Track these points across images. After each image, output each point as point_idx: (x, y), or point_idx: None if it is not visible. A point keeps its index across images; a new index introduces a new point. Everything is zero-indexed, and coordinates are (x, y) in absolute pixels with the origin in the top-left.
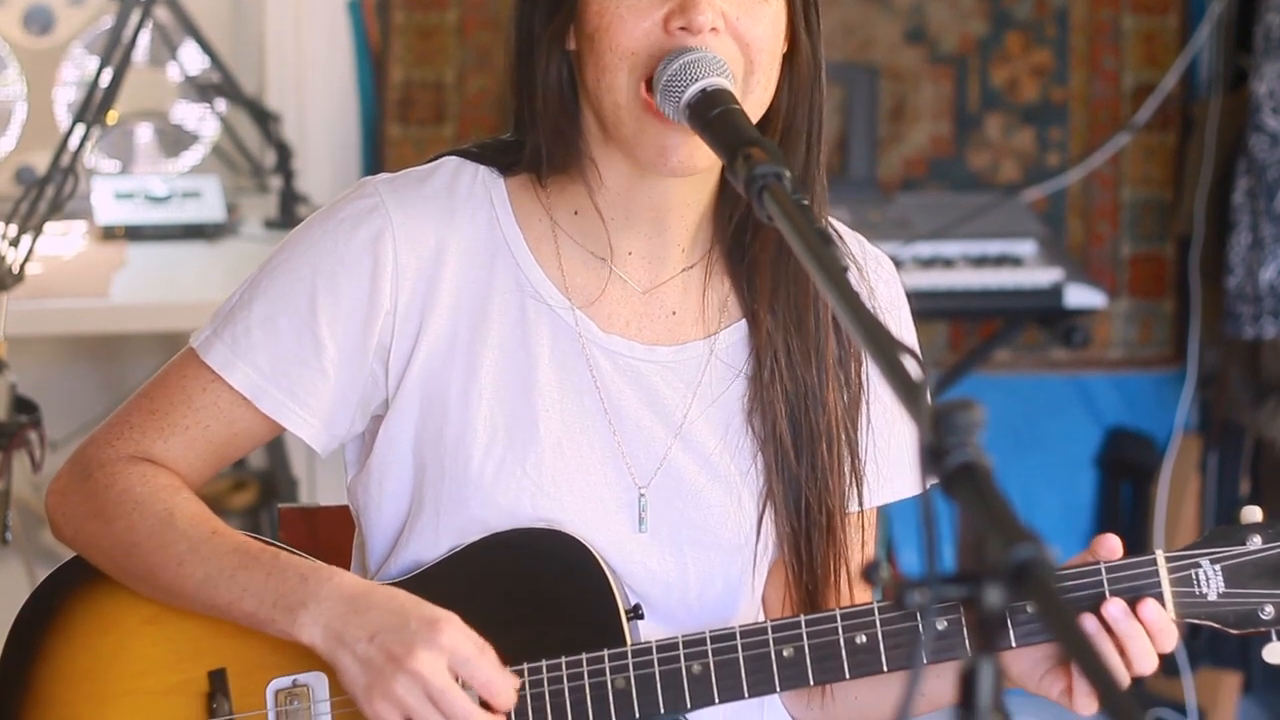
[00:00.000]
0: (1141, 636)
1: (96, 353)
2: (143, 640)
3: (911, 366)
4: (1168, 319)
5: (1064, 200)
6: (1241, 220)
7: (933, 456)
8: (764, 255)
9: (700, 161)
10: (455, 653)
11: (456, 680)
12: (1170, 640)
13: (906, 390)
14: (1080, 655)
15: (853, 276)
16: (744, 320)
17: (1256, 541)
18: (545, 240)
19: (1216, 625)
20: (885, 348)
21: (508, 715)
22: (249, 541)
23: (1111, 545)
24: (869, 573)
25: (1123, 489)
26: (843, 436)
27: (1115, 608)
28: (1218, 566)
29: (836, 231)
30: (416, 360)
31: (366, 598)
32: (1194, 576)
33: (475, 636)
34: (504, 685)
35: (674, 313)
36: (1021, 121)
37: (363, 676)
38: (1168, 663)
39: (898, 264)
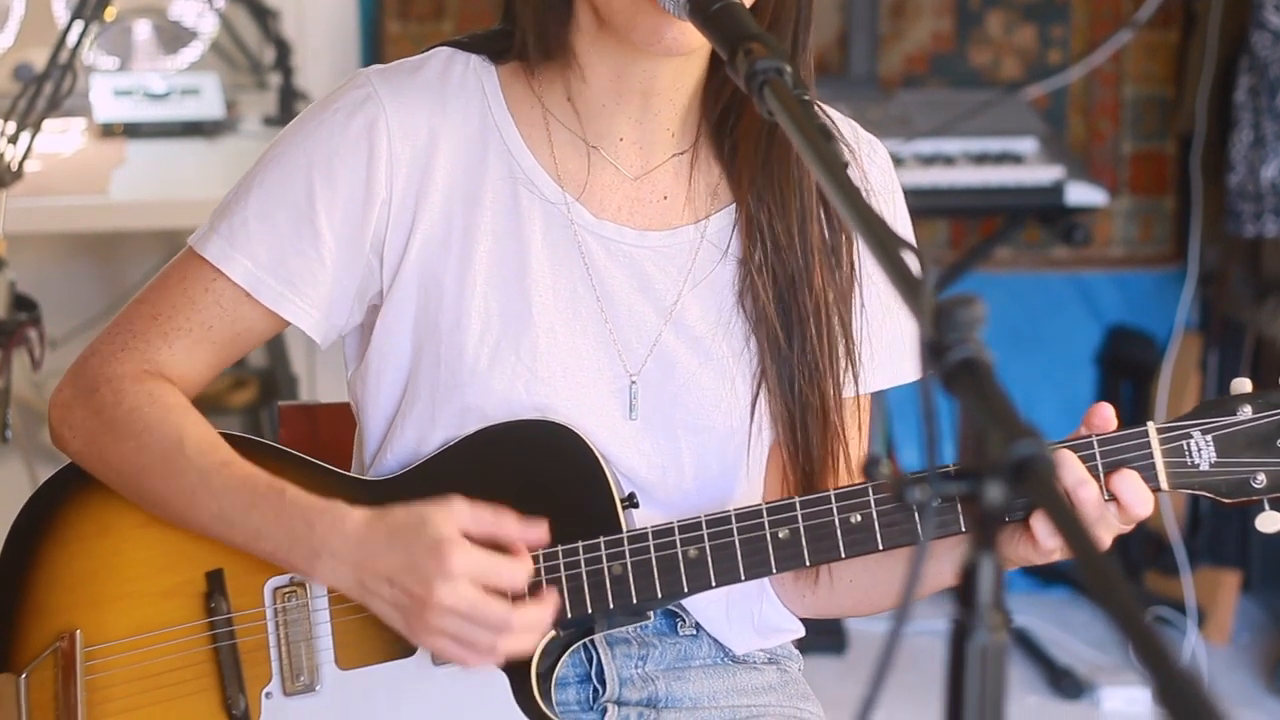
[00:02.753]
0: (1090, 483)
1: (96, 250)
2: (139, 544)
3: (913, 262)
4: (1169, 217)
5: (1065, 98)
6: (1243, 118)
7: (933, 352)
8: (746, 140)
9: (692, 40)
10: (470, 571)
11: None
12: (1137, 498)
13: (907, 285)
14: (1076, 543)
15: (852, 171)
16: (734, 205)
17: (1247, 412)
18: (537, 128)
19: (1209, 495)
20: (887, 244)
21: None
22: (255, 475)
23: (1105, 414)
24: (869, 469)
25: (1123, 387)
26: (834, 318)
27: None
28: (1209, 437)
29: (830, 119)
30: (412, 249)
31: (371, 541)
32: (1186, 447)
33: (482, 515)
34: (527, 571)
35: (665, 198)
36: (1023, 18)
37: (401, 618)
38: (1167, 561)
39: (898, 161)
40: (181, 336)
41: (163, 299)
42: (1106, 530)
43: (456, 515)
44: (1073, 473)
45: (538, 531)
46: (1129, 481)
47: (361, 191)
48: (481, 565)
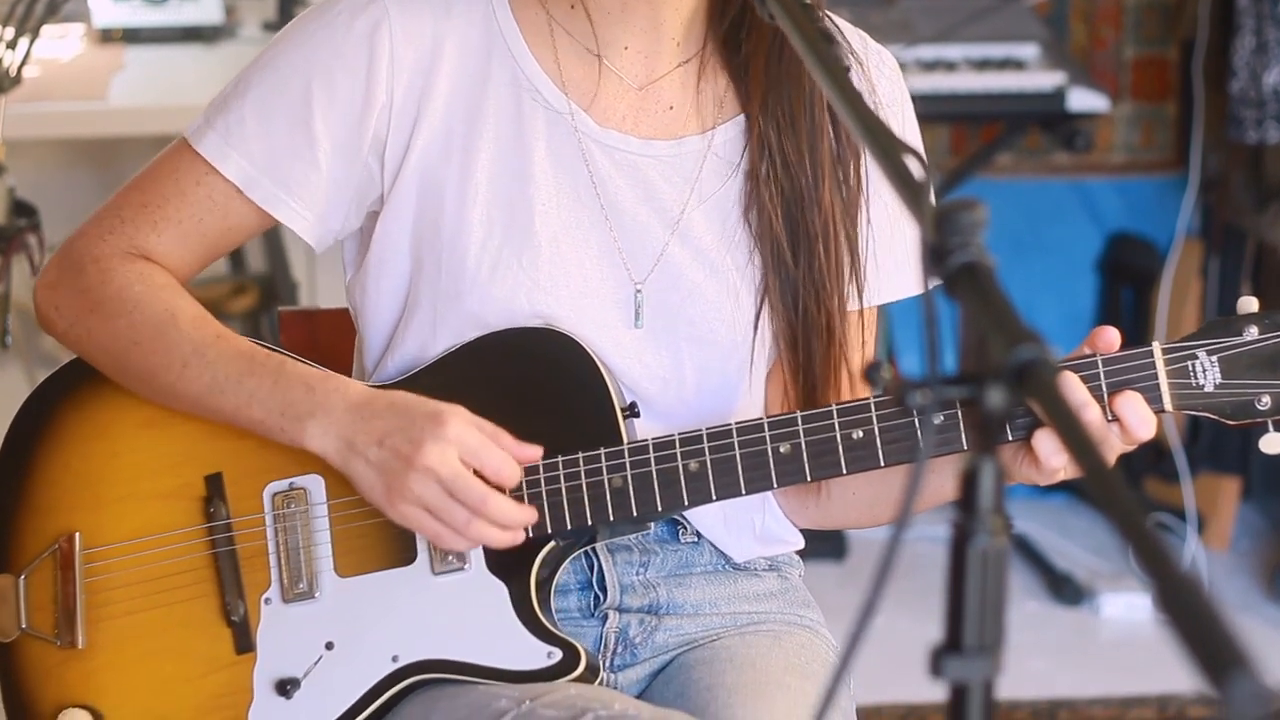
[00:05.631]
0: (1092, 405)
1: (95, 156)
2: (138, 445)
3: (914, 166)
4: (1170, 123)
5: (1067, 3)
6: (1246, 23)
7: (935, 256)
8: (758, 55)
9: None
10: (462, 443)
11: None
12: (1140, 420)
13: (909, 190)
14: (1077, 447)
15: (854, 75)
16: (742, 116)
17: (1253, 332)
18: (542, 35)
19: (1213, 416)
20: (888, 148)
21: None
22: (254, 347)
23: (1109, 338)
24: (870, 373)
25: (1124, 294)
26: (841, 236)
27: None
28: (1214, 358)
29: (838, 28)
30: (412, 155)
31: (371, 404)
32: (1190, 368)
33: (484, 424)
34: (512, 471)
35: (671, 108)
36: None
37: (379, 481)
38: (1167, 468)
39: (900, 67)
40: (171, 226)
41: (153, 188)
42: (1109, 451)
43: (460, 411)
44: (1075, 395)
45: (532, 450)
46: (1132, 403)
47: (361, 97)
48: (475, 442)
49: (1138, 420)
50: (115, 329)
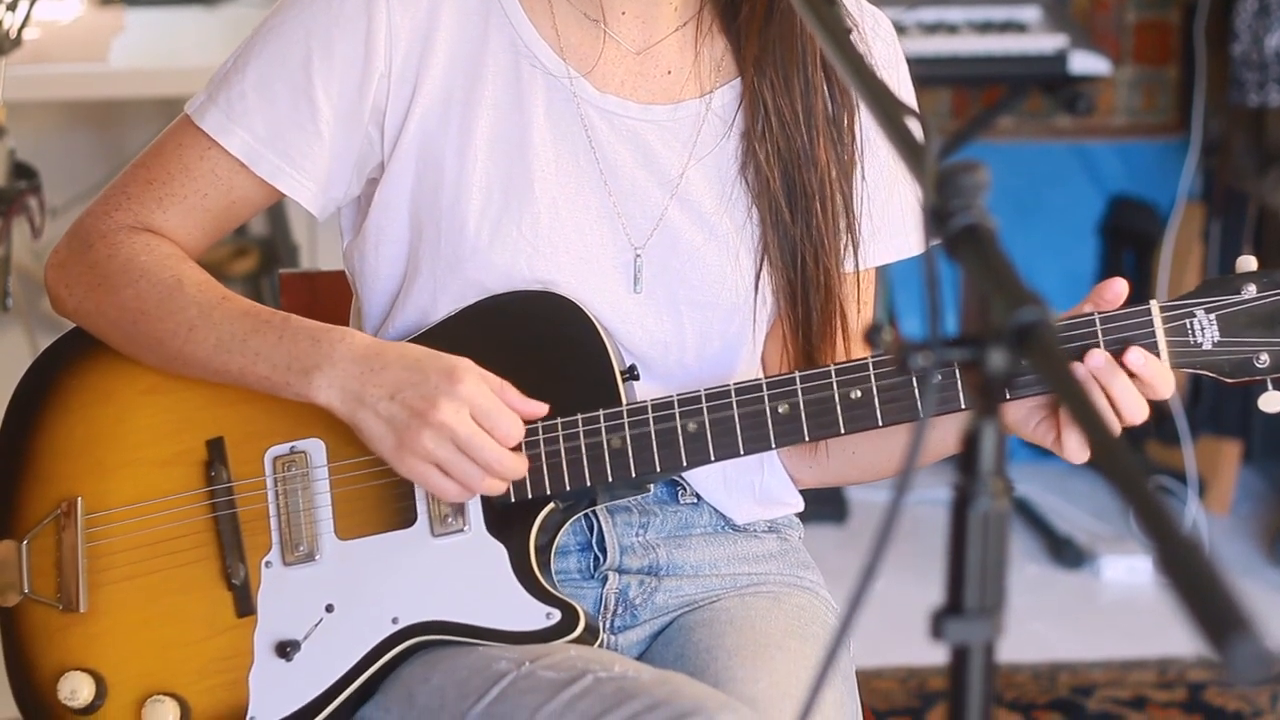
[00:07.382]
0: (1126, 384)
1: (95, 118)
2: (140, 411)
3: (916, 128)
4: (1172, 86)
5: None
6: None
7: (936, 218)
8: (754, 17)
9: None
10: (475, 402)
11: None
12: (1165, 384)
13: (910, 152)
14: (1077, 409)
15: (855, 37)
16: (739, 79)
17: (1251, 290)
18: (539, 1)
19: (1212, 374)
20: (889, 110)
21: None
22: (259, 306)
23: (1118, 289)
24: (871, 336)
25: (1125, 257)
26: (837, 194)
27: (1097, 358)
28: (1212, 315)
29: None
30: (411, 122)
31: (381, 356)
32: (1189, 326)
33: (492, 379)
34: (519, 432)
35: (669, 72)
36: None
37: (390, 435)
38: (1168, 431)
39: (901, 29)
40: (176, 203)
41: (158, 165)
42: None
43: (470, 366)
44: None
45: (538, 406)
46: (1145, 362)
47: (360, 64)
48: (487, 403)
49: (1154, 376)
50: (123, 299)
